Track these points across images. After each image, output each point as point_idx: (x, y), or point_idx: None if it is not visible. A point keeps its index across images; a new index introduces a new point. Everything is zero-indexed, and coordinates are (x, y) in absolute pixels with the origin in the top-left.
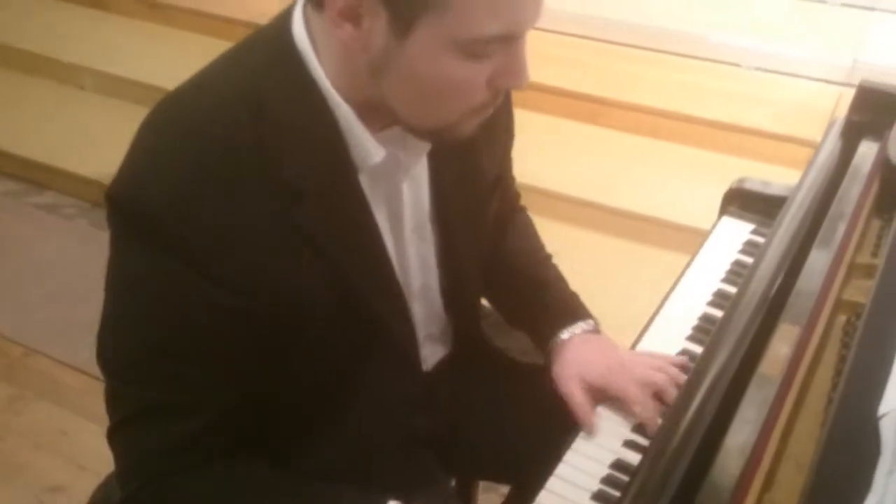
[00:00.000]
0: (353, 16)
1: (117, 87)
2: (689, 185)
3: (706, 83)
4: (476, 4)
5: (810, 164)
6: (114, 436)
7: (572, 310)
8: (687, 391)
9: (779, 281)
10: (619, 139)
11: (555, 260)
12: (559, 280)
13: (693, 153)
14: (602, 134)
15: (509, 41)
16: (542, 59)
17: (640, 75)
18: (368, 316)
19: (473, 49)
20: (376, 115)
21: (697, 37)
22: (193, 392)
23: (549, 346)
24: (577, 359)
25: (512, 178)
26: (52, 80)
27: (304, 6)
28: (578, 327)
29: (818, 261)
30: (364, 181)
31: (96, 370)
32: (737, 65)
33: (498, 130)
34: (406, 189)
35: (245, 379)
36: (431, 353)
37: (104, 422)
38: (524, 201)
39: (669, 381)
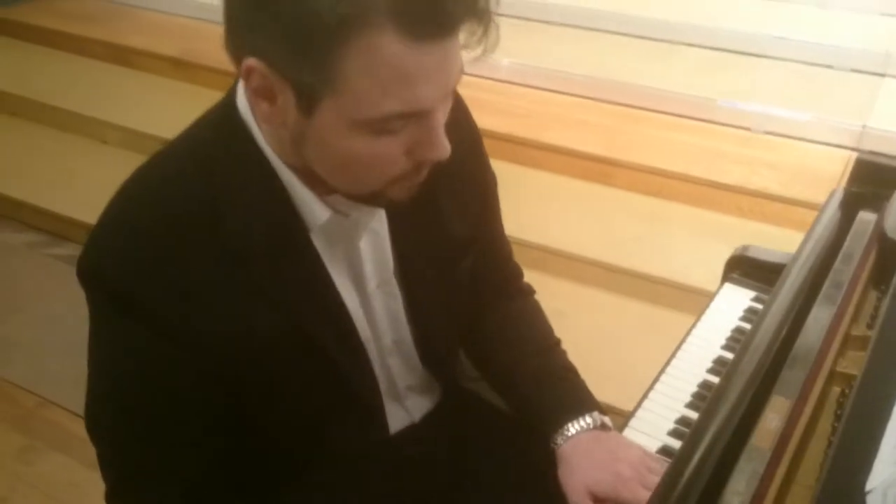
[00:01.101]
0: (267, 94)
1: (139, 142)
2: (695, 247)
3: (715, 146)
4: (366, 87)
5: (808, 233)
6: (111, 501)
7: (579, 402)
8: (679, 461)
9: (773, 351)
10: (627, 199)
11: (560, 319)
12: (568, 370)
13: (700, 214)
14: (610, 194)
15: (414, 117)
16: (552, 119)
17: (650, 137)
18: (327, 365)
19: (377, 126)
20: (317, 180)
21: (707, 101)
22: (173, 453)
23: (555, 439)
24: (583, 465)
25: (505, 247)
26: (75, 134)
27: None
28: (585, 421)
29: (813, 332)
30: (317, 240)
31: None
32: (746, 129)
33: (467, 184)
34: (366, 245)
35: (220, 435)
36: (417, 405)
37: None
38: (530, 258)
39: None
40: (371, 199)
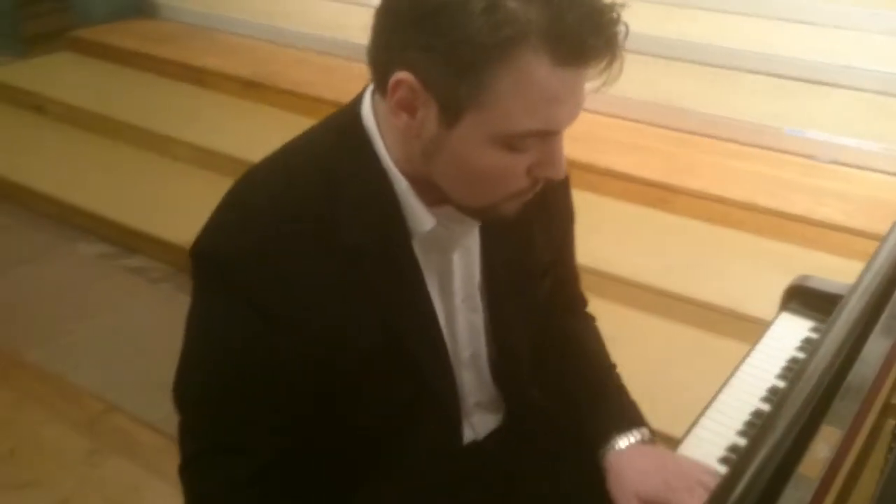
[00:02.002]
0: (409, 107)
1: (210, 160)
2: (755, 275)
3: (779, 174)
4: (513, 104)
5: (869, 263)
6: (184, 471)
7: (629, 419)
8: (725, 485)
9: (826, 381)
10: (685, 225)
11: (613, 343)
12: (620, 389)
13: (761, 243)
14: (668, 220)
15: (545, 136)
16: (611, 143)
17: (710, 163)
18: (414, 371)
19: (511, 142)
20: (430, 191)
21: (772, 128)
22: (255, 432)
23: (604, 451)
24: (633, 475)
25: (576, 273)
26: (148, 151)
27: (373, 92)
28: (634, 435)
29: (869, 363)
30: (417, 248)
31: (173, 429)
32: (812, 157)
33: (555, 213)
34: (457, 260)
35: (302, 423)
36: (483, 422)
37: (174, 481)
38: (585, 283)
39: None
40: (483, 212)
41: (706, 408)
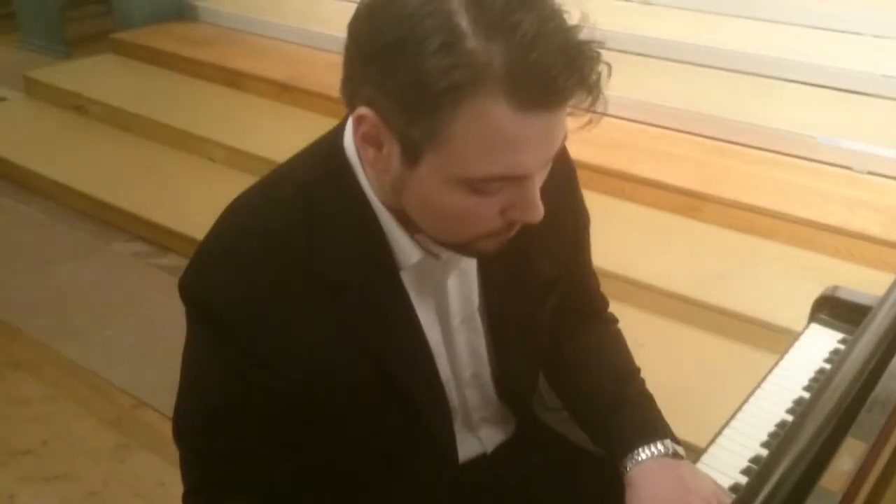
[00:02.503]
0: (374, 142)
1: (244, 161)
2: (786, 286)
3: (814, 184)
4: (470, 149)
5: None
6: (186, 501)
7: (653, 429)
8: (744, 496)
9: (852, 393)
10: (716, 234)
11: (640, 351)
12: (644, 396)
13: (794, 253)
14: (699, 228)
15: (512, 180)
16: (643, 151)
17: (743, 172)
18: (406, 403)
19: (475, 186)
20: (412, 222)
21: (806, 137)
22: (250, 465)
23: (625, 464)
24: (651, 492)
25: (593, 278)
26: (184, 152)
27: None
28: (657, 448)
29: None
30: (407, 278)
31: None
32: (848, 168)
33: (559, 230)
34: (453, 283)
35: (296, 456)
36: (490, 435)
37: None
38: (614, 289)
39: None
40: (460, 248)
41: (731, 418)
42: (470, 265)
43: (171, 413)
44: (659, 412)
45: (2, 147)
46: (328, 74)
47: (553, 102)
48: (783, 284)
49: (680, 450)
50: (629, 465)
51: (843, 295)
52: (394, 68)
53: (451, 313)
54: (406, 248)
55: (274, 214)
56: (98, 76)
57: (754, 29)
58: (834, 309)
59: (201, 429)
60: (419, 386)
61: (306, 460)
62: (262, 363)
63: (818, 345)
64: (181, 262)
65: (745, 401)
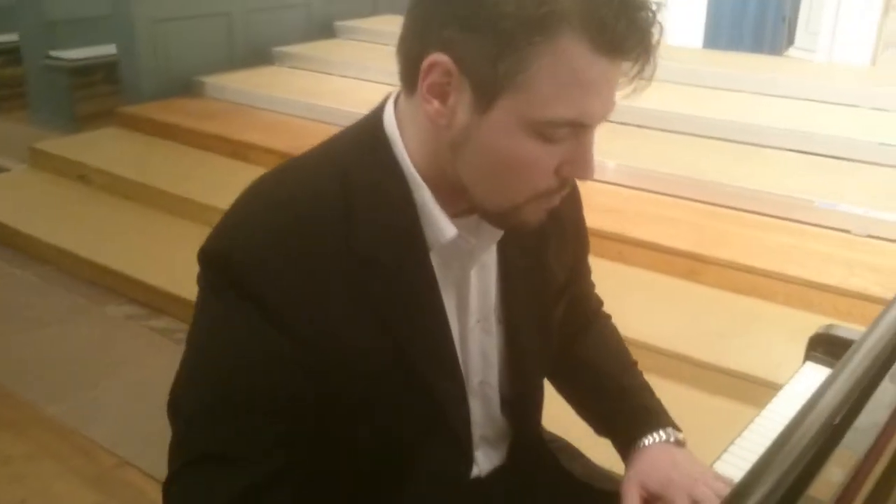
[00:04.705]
0: (441, 92)
1: None
2: (786, 345)
3: (810, 245)
4: (549, 88)
5: (889, 305)
6: (170, 486)
7: (655, 418)
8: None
9: (843, 412)
10: (715, 296)
11: None
12: (644, 388)
13: (793, 314)
14: (698, 290)
15: (578, 129)
16: (640, 216)
17: (740, 235)
18: (425, 397)
19: (544, 131)
20: (452, 197)
21: (803, 201)
22: (252, 444)
23: (630, 451)
24: (643, 466)
25: (590, 285)
26: (186, 220)
27: (396, 97)
28: (659, 435)
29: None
30: (435, 261)
31: None
32: (846, 231)
33: (571, 237)
34: (474, 277)
35: (302, 441)
36: (486, 458)
37: None
38: None
39: None
40: (505, 216)
41: (722, 451)
42: (491, 261)
43: (155, 473)
44: (659, 402)
45: (2, 214)
46: (398, 51)
47: (623, 51)
48: (783, 344)
49: (681, 437)
50: (633, 454)
51: (837, 332)
52: (481, 6)
53: (469, 310)
54: (440, 225)
55: (307, 187)
56: (102, 147)
57: (753, 102)
58: (828, 346)
59: (201, 400)
60: (439, 375)
61: (312, 450)
62: (280, 328)
63: (813, 381)
64: (174, 324)
65: (738, 435)
